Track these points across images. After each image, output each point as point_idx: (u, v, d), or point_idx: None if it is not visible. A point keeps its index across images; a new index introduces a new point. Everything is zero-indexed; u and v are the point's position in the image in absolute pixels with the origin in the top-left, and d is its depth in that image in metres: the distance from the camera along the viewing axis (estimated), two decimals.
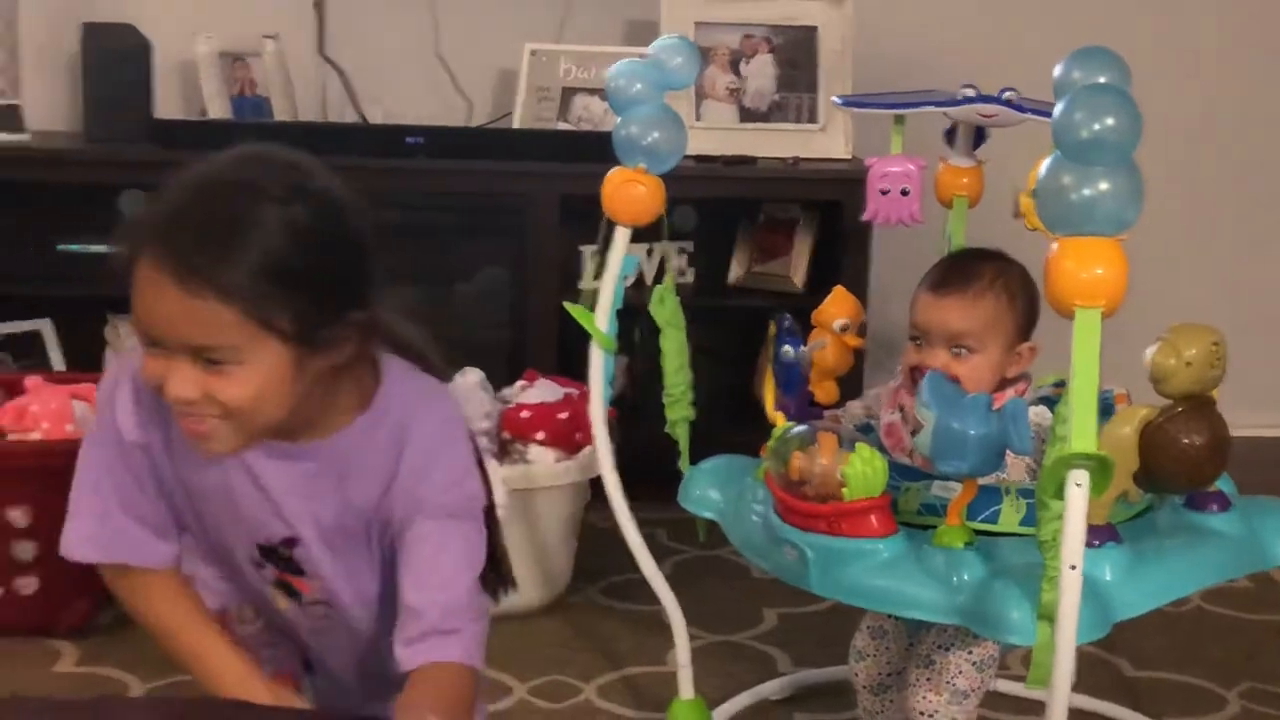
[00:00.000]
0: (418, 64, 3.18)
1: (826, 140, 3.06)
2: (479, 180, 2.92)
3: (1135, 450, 1.67)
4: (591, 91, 3.06)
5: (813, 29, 3.10)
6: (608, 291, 2.01)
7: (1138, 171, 1.46)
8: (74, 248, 2.87)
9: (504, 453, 2.57)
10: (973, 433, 1.57)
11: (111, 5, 3.05)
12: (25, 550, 2.37)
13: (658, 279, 2.12)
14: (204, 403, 1.24)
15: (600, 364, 2.03)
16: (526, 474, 2.49)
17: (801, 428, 1.78)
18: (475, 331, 2.98)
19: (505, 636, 2.39)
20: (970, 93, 2.02)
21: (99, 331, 2.95)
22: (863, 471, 1.67)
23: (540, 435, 2.56)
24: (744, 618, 2.55)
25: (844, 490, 1.68)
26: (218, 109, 3.05)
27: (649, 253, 2.93)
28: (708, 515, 1.96)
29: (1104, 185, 1.44)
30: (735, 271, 3.15)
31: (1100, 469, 1.47)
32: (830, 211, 3.01)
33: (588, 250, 2.96)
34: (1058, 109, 1.48)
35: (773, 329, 2.00)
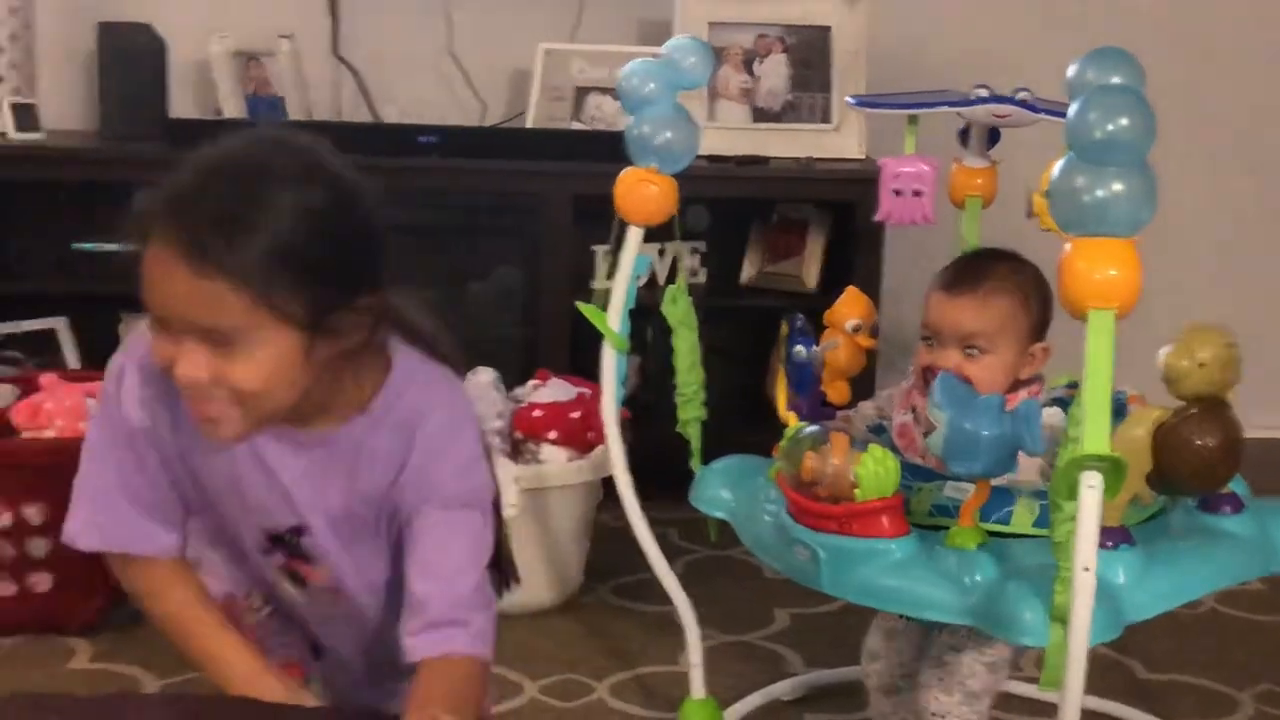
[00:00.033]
0: (431, 64, 3.18)
1: (840, 140, 3.06)
2: (492, 180, 2.93)
3: (1148, 452, 1.66)
4: (604, 91, 3.06)
5: (826, 29, 3.10)
6: (620, 291, 2.02)
7: (1151, 172, 1.45)
8: (89, 246, 2.88)
9: (516, 452, 2.57)
10: (985, 434, 1.57)
11: (127, 5, 3.06)
12: (39, 548, 2.38)
13: (670, 279, 2.13)
14: (213, 386, 1.23)
15: (612, 363, 2.03)
16: (538, 473, 2.50)
17: (813, 428, 1.78)
18: (488, 331, 2.99)
19: (517, 635, 2.40)
20: (984, 93, 2.02)
21: (114, 330, 2.96)
22: (875, 472, 1.67)
23: (552, 434, 2.56)
24: (756, 618, 2.55)
25: (856, 491, 1.67)
26: (232, 108, 3.06)
27: (661, 252, 2.93)
28: (719, 515, 1.96)
29: (1117, 186, 1.44)
30: (748, 271, 3.15)
31: (1113, 471, 1.46)
32: (843, 212, 3.01)
33: (600, 250, 2.96)
34: (1071, 109, 1.47)
35: (785, 329, 2.00)
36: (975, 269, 1.85)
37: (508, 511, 2.40)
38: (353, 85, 3.17)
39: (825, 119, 3.09)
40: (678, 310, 2.04)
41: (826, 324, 2.06)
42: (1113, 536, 1.62)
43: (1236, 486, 1.80)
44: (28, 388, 2.52)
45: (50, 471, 2.33)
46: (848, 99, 2.34)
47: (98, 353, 2.90)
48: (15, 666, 2.31)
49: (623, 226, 2.00)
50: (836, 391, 2.02)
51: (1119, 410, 1.76)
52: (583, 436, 2.56)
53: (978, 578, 1.63)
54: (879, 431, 1.93)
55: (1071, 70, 1.58)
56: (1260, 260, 3.57)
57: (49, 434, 2.41)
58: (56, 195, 2.93)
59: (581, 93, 3.11)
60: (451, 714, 1.26)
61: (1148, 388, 1.85)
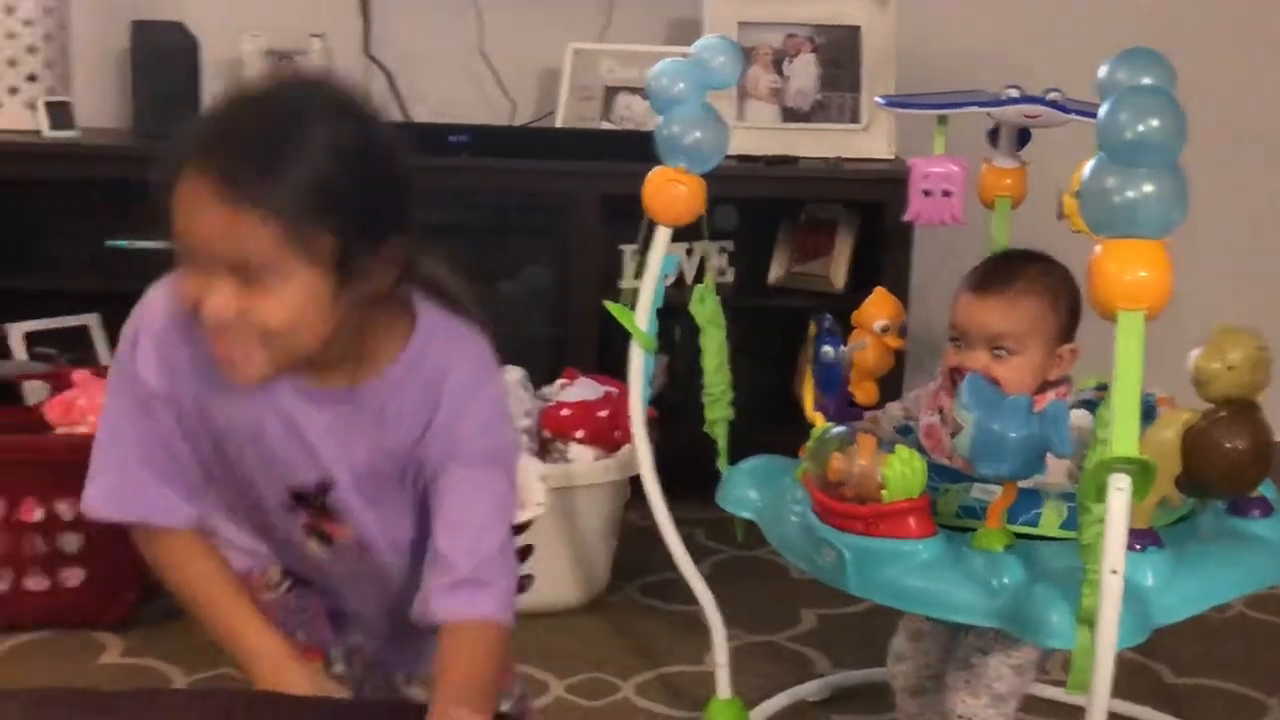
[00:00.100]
0: (462, 63, 3.19)
1: (869, 140, 3.06)
2: (522, 179, 2.94)
3: (1177, 454, 1.65)
4: (634, 91, 3.07)
5: (856, 28, 3.10)
6: (648, 290, 2.02)
7: (1182, 173, 1.45)
8: (122, 243, 2.90)
9: (544, 451, 2.58)
10: (1013, 435, 1.57)
11: (160, 4, 3.09)
12: (71, 543, 2.40)
13: (698, 278, 2.13)
14: (240, 323, 1.22)
15: (640, 363, 2.04)
16: (566, 472, 2.50)
17: (840, 428, 1.78)
18: (516, 330, 2.99)
19: (544, 634, 2.41)
20: (1014, 93, 2.01)
21: None
22: (902, 473, 1.67)
23: (580, 433, 2.56)
24: (782, 618, 2.55)
25: (883, 491, 1.67)
26: None
27: (689, 252, 2.93)
28: (746, 515, 1.96)
29: (1148, 187, 1.43)
30: (776, 271, 3.15)
31: (1142, 473, 1.46)
32: (872, 212, 3.01)
33: (628, 249, 2.97)
34: (1102, 110, 1.47)
35: (813, 329, 2.00)
36: (1004, 270, 1.84)
37: (535, 510, 2.41)
38: (384, 84, 3.18)
39: (854, 119, 3.08)
40: (705, 310, 2.04)
41: (854, 324, 2.06)
42: (1141, 539, 1.61)
43: (1266, 490, 1.79)
44: (60, 384, 2.54)
45: (82, 468, 2.35)
46: (877, 99, 2.34)
47: None
48: (46, 661, 2.33)
49: (651, 226, 2.00)
50: (864, 392, 2.02)
51: (1148, 412, 1.75)
52: (610, 435, 2.56)
53: (1005, 580, 1.63)
54: (906, 432, 1.92)
55: (1102, 71, 1.57)
56: None
57: (81, 430, 2.43)
58: (90, 193, 2.95)
59: (611, 92, 3.12)
60: (476, 700, 1.26)
61: (1177, 390, 1.84)
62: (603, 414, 2.58)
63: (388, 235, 1.26)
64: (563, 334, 2.96)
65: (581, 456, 2.55)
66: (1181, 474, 1.67)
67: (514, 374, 2.56)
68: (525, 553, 2.46)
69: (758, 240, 3.16)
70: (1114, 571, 1.47)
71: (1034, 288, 1.81)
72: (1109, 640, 1.48)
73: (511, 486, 1.37)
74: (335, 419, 1.34)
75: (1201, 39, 3.31)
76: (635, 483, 2.21)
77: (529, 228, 3.13)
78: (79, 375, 2.52)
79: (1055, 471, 1.73)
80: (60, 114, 2.95)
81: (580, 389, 2.64)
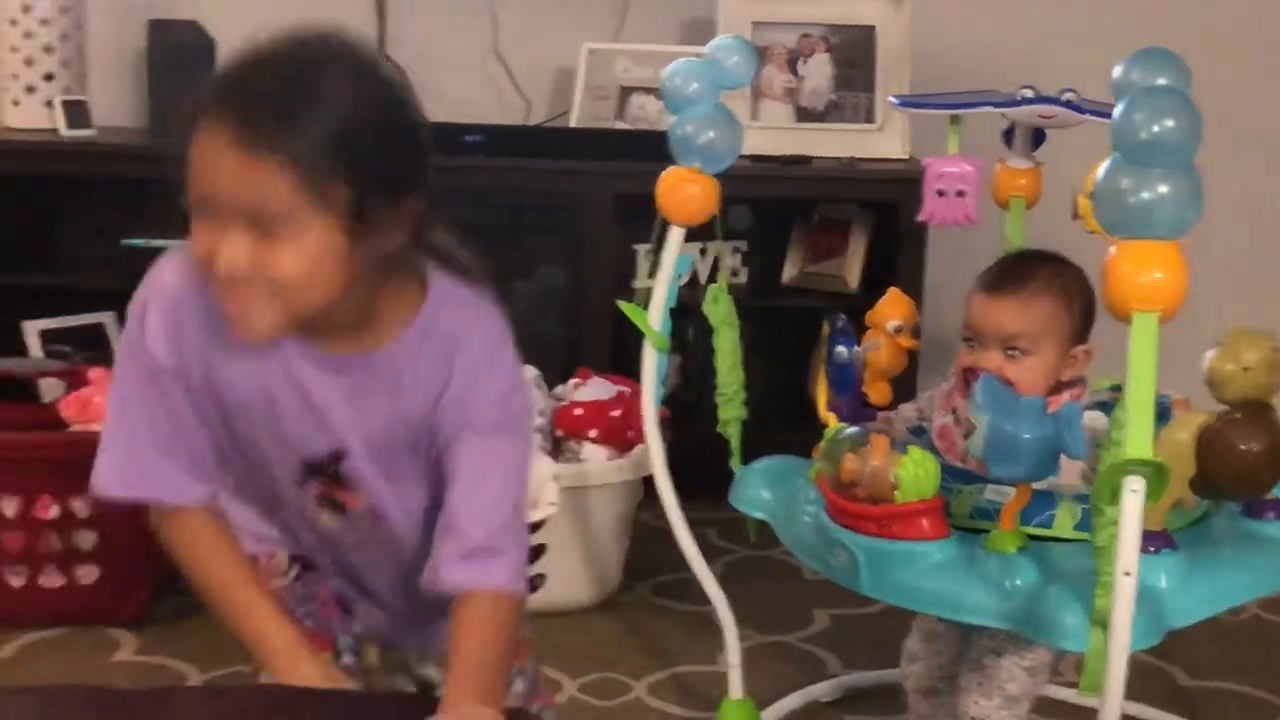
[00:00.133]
0: (477, 63, 3.20)
1: (883, 140, 3.05)
2: (536, 179, 2.94)
3: (1192, 456, 1.65)
4: (648, 91, 3.07)
5: (870, 28, 3.09)
6: (661, 290, 2.02)
7: (1197, 174, 1.44)
8: (138, 242, 2.90)
9: (557, 450, 2.58)
10: (1026, 436, 1.57)
11: (177, 3, 3.09)
12: (86, 540, 2.41)
13: (711, 278, 2.13)
14: (253, 275, 1.22)
15: (653, 362, 2.04)
16: (579, 472, 2.51)
17: (854, 429, 1.78)
18: (530, 329, 3.00)
19: (556, 633, 2.41)
20: (1029, 93, 2.01)
21: None
22: (915, 474, 1.67)
23: (593, 433, 2.57)
24: (795, 618, 2.55)
25: (896, 492, 1.67)
26: None
27: (703, 252, 2.93)
28: (759, 515, 1.96)
29: (1163, 188, 1.43)
30: (789, 271, 3.14)
31: (1156, 475, 1.45)
32: (886, 212, 3.00)
33: (642, 249, 2.97)
34: (1117, 110, 1.47)
35: (826, 329, 2.00)
36: (1018, 270, 1.84)
37: (547, 509, 2.41)
38: None
39: (869, 119, 3.08)
40: (719, 310, 2.04)
41: (868, 324, 2.06)
42: (1155, 541, 1.61)
43: None
44: (76, 382, 2.55)
45: None
46: (891, 99, 2.34)
47: None
48: (61, 658, 2.34)
49: (665, 226, 2.00)
50: (877, 392, 2.02)
51: (1163, 414, 1.75)
52: (623, 435, 2.56)
53: (1018, 581, 1.63)
54: (919, 433, 1.92)
55: (1117, 71, 1.57)
56: None
57: (97, 428, 2.44)
58: (106, 191, 2.97)
59: (625, 92, 3.12)
60: (489, 677, 1.26)
61: (1192, 391, 1.83)
62: (616, 414, 2.58)
63: (403, 191, 1.26)
64: (576, 333, 2.96)
65: (594, 456, 2.55)
66: (1196, 476, 1.66)
67: (527, 373, 2.57)
68: (538, 552, 2.48)
69: (772, 240, 3.16)
70: (1127, 574, 1.46)
71: (1048, 288, 1.80)
72: (1122, 642, 1.48)
73: (524, 455, 1.37)
74: (348, 387, 1.33)
75: (1217, 37, 3.30)
76: (648, 482, 2.21)
77: (543, 227, 3.13)
78: (94, 373, 2.53)
79: (1069, 473, 1.73)
80: (77, 113, 2.96)
81: (593, 389, 2.64)
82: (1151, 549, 1.59)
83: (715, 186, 1.98)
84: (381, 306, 1.32)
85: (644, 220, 2.06)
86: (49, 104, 2.96)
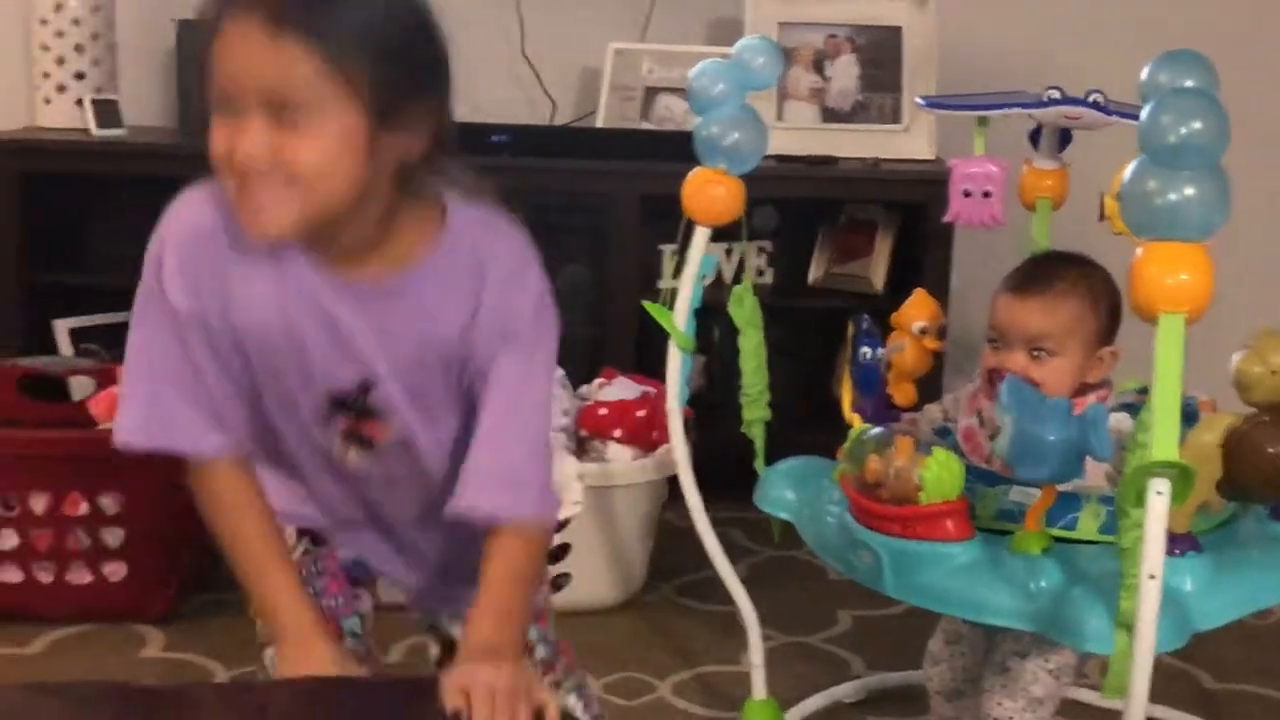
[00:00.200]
0: (504, 63, 3.21)
1: (909, 141, 3.05)
2: (562, 179, 2.94)
3: (1219, 458, 1.64)
4: (674, 91, 3.07)
5: (897, 29, 3.09)
6: (686, 291, 2.02)
7: (1224, 176, 1.44)
8: None
9: (581, 450, 2.59)
10: (1052, 438, 1.56)
11: None
12: (115, 537, 2.43)
13: (737, 279, 2.13)
14: (272, 165, 1.21)
15: (678, 363, 2.04)
16: (604, 471, 2.51)
17: (878, 430, 1.78)
18: None
19: (580, 633, 2.40)
20: (1056, 94, 2.00)
21: None
22: (939, 475, 1.66)
23: (617, 433, 2.57)
24: (818, 619, 2.55)
25: (920, 494, 1.67)
26: None
27: (728, 252, 2.93)
28: (783, 516, 1.96)
29: (1190, 190, 1.42)
30: (815, 272, 3.14)
31: (1182, 477, 1.45)
32: (912, 213, 3.00)
33: (667, 249, 2.97)
34: (1144, 112, 1.46)
35: (851, 330, 1.99)
36: (1044, 271, 1.83)
37: (572, 509, 2.42)
38: None
39: (895, 120, 3.07)
40: (744, 310, 2.04)
41: (893, 326, 2.05)
42: (1180, 544, 1.60)
43: None
44: (105, 380, 2.57)
45: (126, 463, 2.39)
46: (917, 100, 2.33)
47: None
48: (88, 654, 2.36)
49: (690, 226, 2.01)
50: (902, 394, 2.01)
51: (1189, 416, 1.74)
52: (648, 435, 2.57)
53: (1043, 583, 1.62)
54: (944, 434, 1.92)
55: (1144, 73, 1.57)
56: None
57: None
58: (136, 191, 2.98)
59: (651, 93, 3.12)
60: (514, 610, 1.30)
61: (1219, 394, 1.83)
62: (640, 414, 2.58)
63: (425, 92, 1.27)
64: (601, 333, 2.96)
65: (619, 456, 2.56)
66: (1222, 479, 1.65)
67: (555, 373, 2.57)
68: (562, 551, 2.48)
69: (798, 241, 3.16)
70: (1152, 576, 1.46)
71: (1074, 289, 1.80)
72: (1147, 645, 1.47)
73: (553, 379, 1.37)
74: (373, 312, 1.32)
75: (1245, 39, 3.28)
76: (672, 482, 2.21)
77: (569, 227, 3.13)
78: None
79: (1094, 475, 1.73)
80: (107, 112, 2.99)
81: (618, 388, 2.65)
82: (1177, 551, 1.59)
83: (741, 187, 1.98)
84: (401, 227, 1.31)
85: (669, 220, 2.06)
86: (79, 103, 2.98)
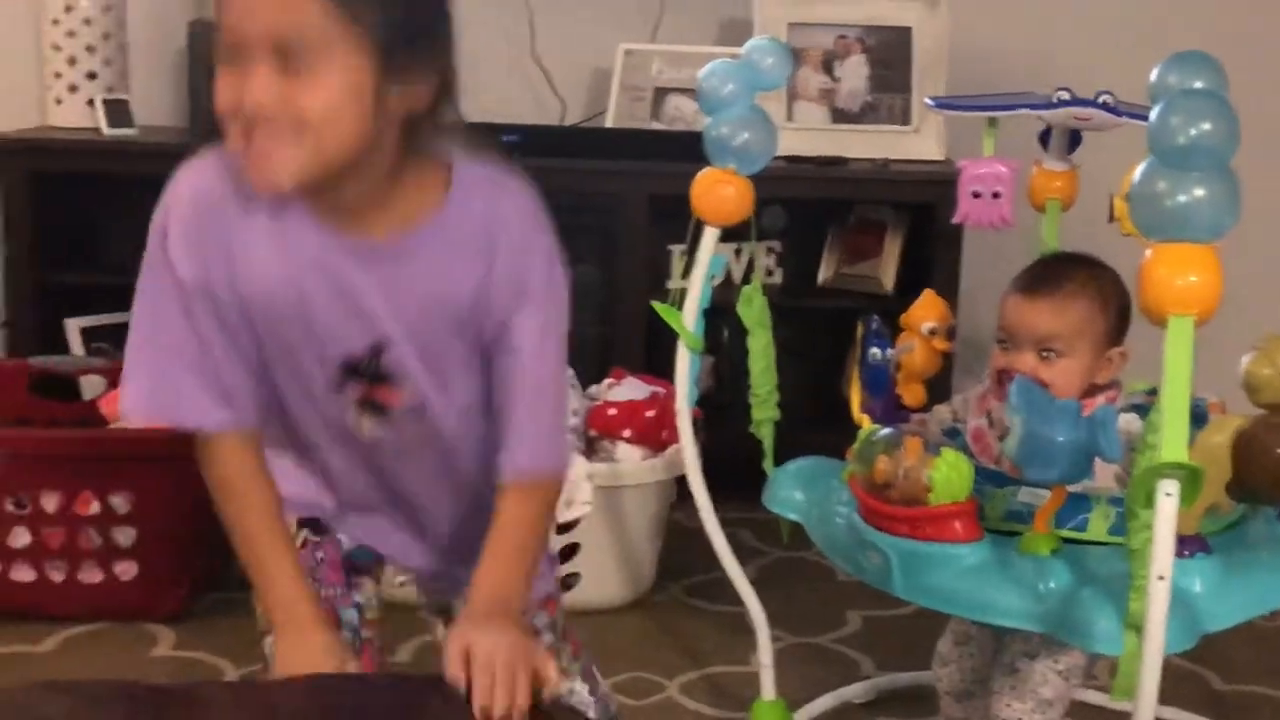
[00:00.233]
0: (514, 64, 3.21)
1: (919, 142, 3.05)
2: (571, 179, 2.94)
3: (1228, 460, 1.64)
4: (684, 91, 3.07)
5: (906, 30, 3.09)
6: (695, 291, 2.02)
7: (1234, 177, 1.44)
8: None
9: (591, 450, 2.59)
10: (1061, 439, 1.56)
11: None
12: (126, 536, 2.44)
13: (746, 279, 2.13)
14: (279, 112, 1.20)
15: (687, 363, 2.04)
16: (613, 471, 2.51)
17: (887, 431, 1.78)
18: None
19: (589, 632, 2.41)
20: (1065, 96, 2.00)
21: None
22: (948, 476, 1.66)
23: (627, 433, 2.57)
24: (827, 620, 2.55)
25: (929, 494, 1.67)
26: None
27: (737, 253, 2.94)
28: (792, 516, 1.96)
29: (1199, 191, 1.42)
30: (824, 272, 3.14)
31: (1191, 479, 1.45)
32: (921, 213, 3.00)
33: (677, 249, 2.97)
34: (1154, 113, 1.46)
35: (861, 331, 2.00)
36: (1053, 272, 1.83)
37: (581, 509, 2.42)
38: None
39: (905, 120, 3.07)
40: (753, 311, 2.05)
41: (903, 326, 2.05)
42: (1189, 545, 1.60)
43: None
44: (117, 379, 2.57)
45: (137, 461, 2.41)
46: (927, 100, 2.33)
47: None
48: (99, 652, 2.37)
49: (699, 226, 2.01)
50: (911, 394, 2.02)
51: (1199, 418, 1.74)
52: (657, 435, 2.57)
53: (1052, 584, 1.62)
54: (953, 435, 1.92)
55: (1154, 74, 1.57)
56: None
57: (135, 424, 2.46)
58: (147, 190, 2.99)
59: (661, 93, 3.12)
60: (524, 564, 1.33)
61: (1228, 395, 1.83)
62: (650, 414, 2.58)
63: (433, 43, 1.26)
64: (610, 333, 2.97)
65: (628, 456, 2.56)
66: (1231, 480, 1.65)
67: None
68: (572, 551, 2.49)
69: (807, 241, 3.16)
70: (1161, 578, 1.46)
71: (1084, 290, 1.80)
72: (1156, 646, 1.47)
73: (567, 317, 1.38)
74: (381, 271, 1.30)
75: (1254, 40, 3.27)
76: (681, 483, 2.22)
77: (578, 227, 3.11)
78: None
79: (1103, 476, 1.73)
80: (119, 112, 3.00)
81: (627, 389, 2.65)
82: (1186, 553, 1.58)
83: (750, 188, 1.98)
84: (407, 184, 1.30)
85: (679, 221, 2.07)
86: (91, 103, 3.00)
